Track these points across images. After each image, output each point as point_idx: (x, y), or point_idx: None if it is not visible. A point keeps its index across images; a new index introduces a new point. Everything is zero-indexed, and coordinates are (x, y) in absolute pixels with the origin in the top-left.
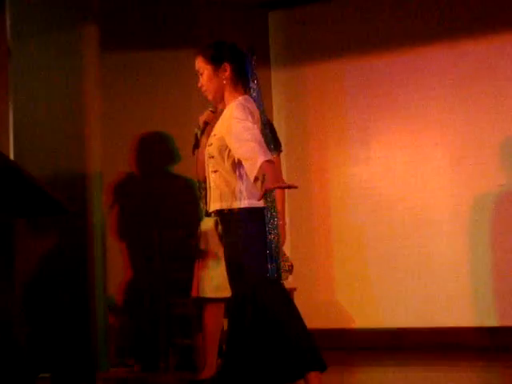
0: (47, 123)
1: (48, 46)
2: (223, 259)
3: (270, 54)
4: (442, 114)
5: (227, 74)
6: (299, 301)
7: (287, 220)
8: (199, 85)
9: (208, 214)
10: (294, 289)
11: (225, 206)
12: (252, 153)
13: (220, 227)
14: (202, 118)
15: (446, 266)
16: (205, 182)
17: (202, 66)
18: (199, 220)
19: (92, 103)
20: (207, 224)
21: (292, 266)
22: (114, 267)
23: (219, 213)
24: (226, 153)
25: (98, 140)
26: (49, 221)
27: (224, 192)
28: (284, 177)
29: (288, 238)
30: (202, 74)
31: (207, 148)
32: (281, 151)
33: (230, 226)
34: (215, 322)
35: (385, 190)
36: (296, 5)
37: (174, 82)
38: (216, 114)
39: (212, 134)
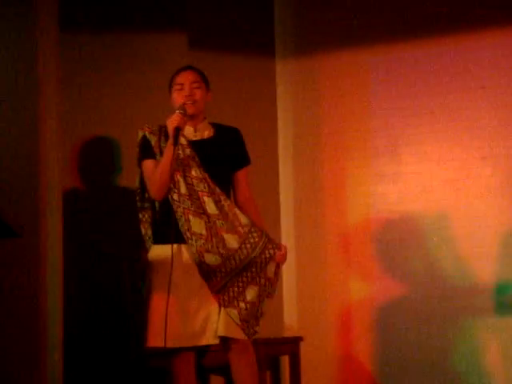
0: None
1: None
2: (194, 296)
3: (275, 41)
4: (493, 120)
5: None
6: (306, 354)
7: (293, 253)
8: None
9: (164, 240)
10: (300, 338)
11: None
12: None
13: (186, 256)
14: (171, 123)
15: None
16: (154, 201)
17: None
18: (143, 250)
19: (49, 98)
20: (157, 252)
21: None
22: (74, 307)
23: None
24: None
25: (56, 145)
26: None
27: None
28: (288, 197)
29: (294, 275)
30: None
31: None
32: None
33: None
34: (190, 378)
35: (419, 214)
36: None
37: (147, 75)
38: (185, 117)
39: None
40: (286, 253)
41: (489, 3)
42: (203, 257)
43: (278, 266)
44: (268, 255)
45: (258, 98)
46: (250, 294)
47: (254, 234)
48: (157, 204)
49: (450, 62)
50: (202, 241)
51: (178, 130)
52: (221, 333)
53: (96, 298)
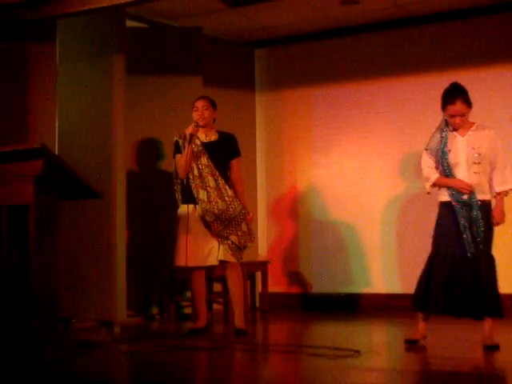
0: (85, 128)
1: (87, 68)
2: (203, 236)
3: (255, 82)
4: (385, 131)
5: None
6: (273, 271)
7: (266, 211)
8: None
9: (187, 202)
10: (268, 261)
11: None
12: None
13: (198, 212)
14: (188, 131)
15: (381, 246)
16: (183, 179)
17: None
18: (176, 207)
19: (118, 115)
20: (183, 209)
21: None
22: (134, 241)
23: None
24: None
25: (122, 142)
26: (85, 204)
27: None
28: (263, 178)
29: (265, 223)
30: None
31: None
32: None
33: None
34: (202, 285)
35: (340, 188)
36: (277, 44)
37: (178, 101)
38: (198, 128)
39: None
40: (252, 217)
41: (381, 65)
42: (204, 215)
43: (248, 224)
44: (242, 216)
45: (243, 119)
46: (232, 239)
47: (235, 203)
48: (185, 180)
49: (357, 96)
50: (204, 204)
51: (192, 136)
52: (220, 257)
53: (145, 237)
